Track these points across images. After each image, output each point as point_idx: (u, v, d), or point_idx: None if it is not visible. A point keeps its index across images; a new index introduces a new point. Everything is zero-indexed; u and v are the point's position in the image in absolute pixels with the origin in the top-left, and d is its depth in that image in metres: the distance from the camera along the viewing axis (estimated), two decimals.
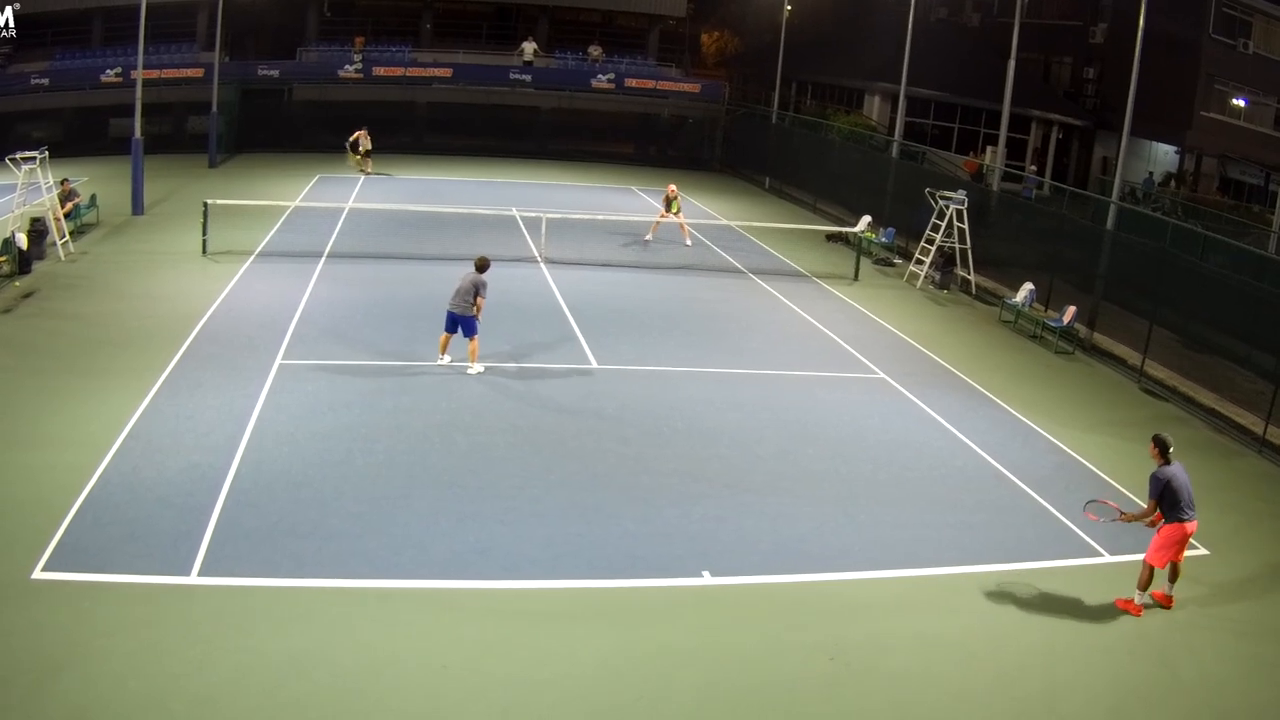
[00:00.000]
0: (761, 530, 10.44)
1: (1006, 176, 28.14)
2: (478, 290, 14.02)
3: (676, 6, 42.22)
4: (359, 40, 37.79)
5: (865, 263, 23.52)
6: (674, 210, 24.12)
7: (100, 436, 11.33)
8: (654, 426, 12.99)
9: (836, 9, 49.56)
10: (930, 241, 22.61)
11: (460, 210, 24.97)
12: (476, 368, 14.36)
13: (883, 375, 15.84)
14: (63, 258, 19.25)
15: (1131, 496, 11.79)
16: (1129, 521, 9.67)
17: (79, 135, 31.91)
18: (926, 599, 9.49)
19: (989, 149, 33.23)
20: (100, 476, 10.41)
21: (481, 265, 14.31)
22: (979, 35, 43.06)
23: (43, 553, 8.89)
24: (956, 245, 22.20)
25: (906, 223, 25.35)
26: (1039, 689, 8.19)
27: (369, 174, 31.52)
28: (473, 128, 38.15)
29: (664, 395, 14.16)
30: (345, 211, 24.86)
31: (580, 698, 7.68)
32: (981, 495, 11.78)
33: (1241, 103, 35.22)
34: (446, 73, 37.96)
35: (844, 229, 26.09)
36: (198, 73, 33.32)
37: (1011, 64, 24.91)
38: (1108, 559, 10.44)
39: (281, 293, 17.73)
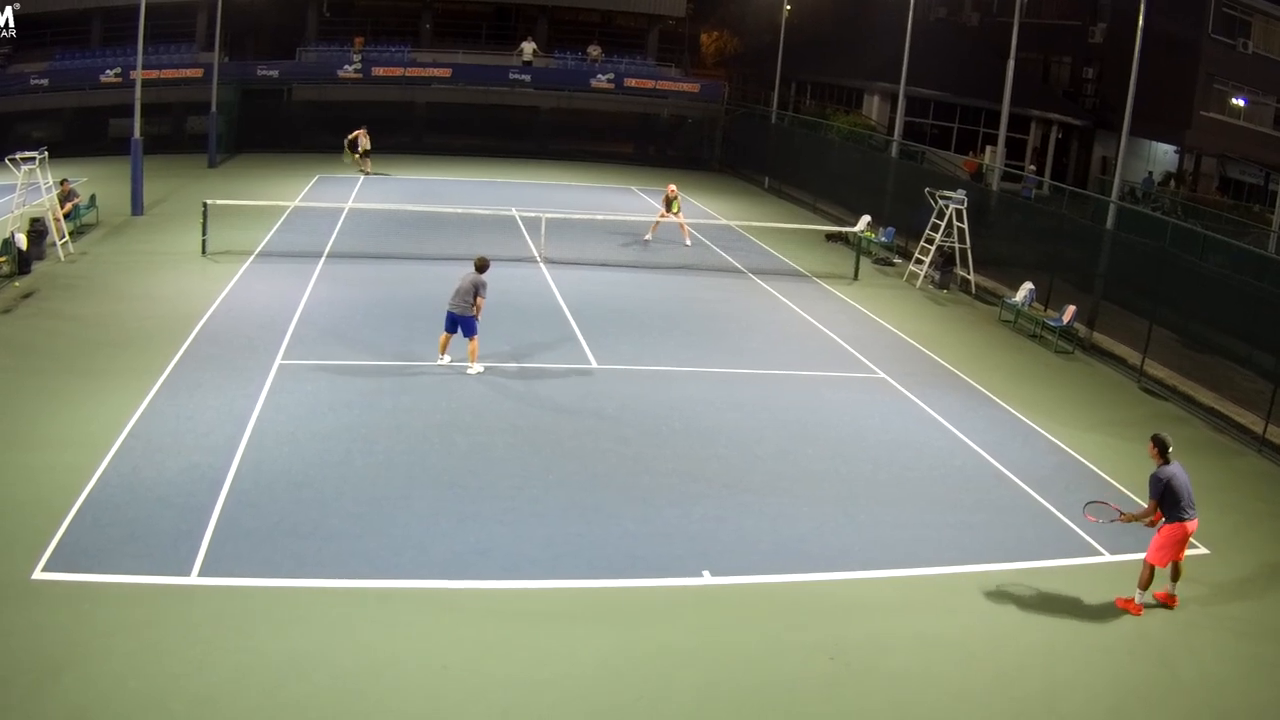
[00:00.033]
0: (761, 530, 10.44)
1: (1006, 176, 28.15)
2: (477, 290, 14.03)
3: (676, 6, 42.21)
4: (358, 40, 37.79)
5: (865, 262, 23.52)
6: (674, 210, 24.12)
7: (100, 437, 11.33)
8: (653, 426, 12.99)
9: (836, 9, 49.60)
10: (930, 241, 22.61)
11: (460, 210, 24.94)
12: (476, 368, 14.36)
13: (882, 375, 15.84)
14: (62, 258, 19.24)
15: (1131, 496, 11.79)
16: (1128, 522, 9.68)
17: (78, 135, 31.91)
18: (926, 599, 9.49)
19: (988, 149, 33.25)
20: (100, 477, 10.41)
21: (481, 265, 14.31)
22: (978, 35, 43.02)
23: (43, 553, 8.89)
24: (956, 245, 22.20)
25: (906, 222, 25.35)
26: (1039, 689, 8.19)
27: (368, 174, 31.51)
28: (472, 128, 38.16)
29: (663, 395, 14.16)
30: (345, 212, 24.85)
31: (580, 698, 7.68)
32: (981, 495, 11.78)
33: (1241, 102, 35.20)
34: (446, 73, 37.95)
35: (844, 229, 26.09)
36: (197, 73, 33.32)
37: (1011, 64, 24.93)
38: (1108, 558, 10.44)
39: (281, 293, 17.73)
